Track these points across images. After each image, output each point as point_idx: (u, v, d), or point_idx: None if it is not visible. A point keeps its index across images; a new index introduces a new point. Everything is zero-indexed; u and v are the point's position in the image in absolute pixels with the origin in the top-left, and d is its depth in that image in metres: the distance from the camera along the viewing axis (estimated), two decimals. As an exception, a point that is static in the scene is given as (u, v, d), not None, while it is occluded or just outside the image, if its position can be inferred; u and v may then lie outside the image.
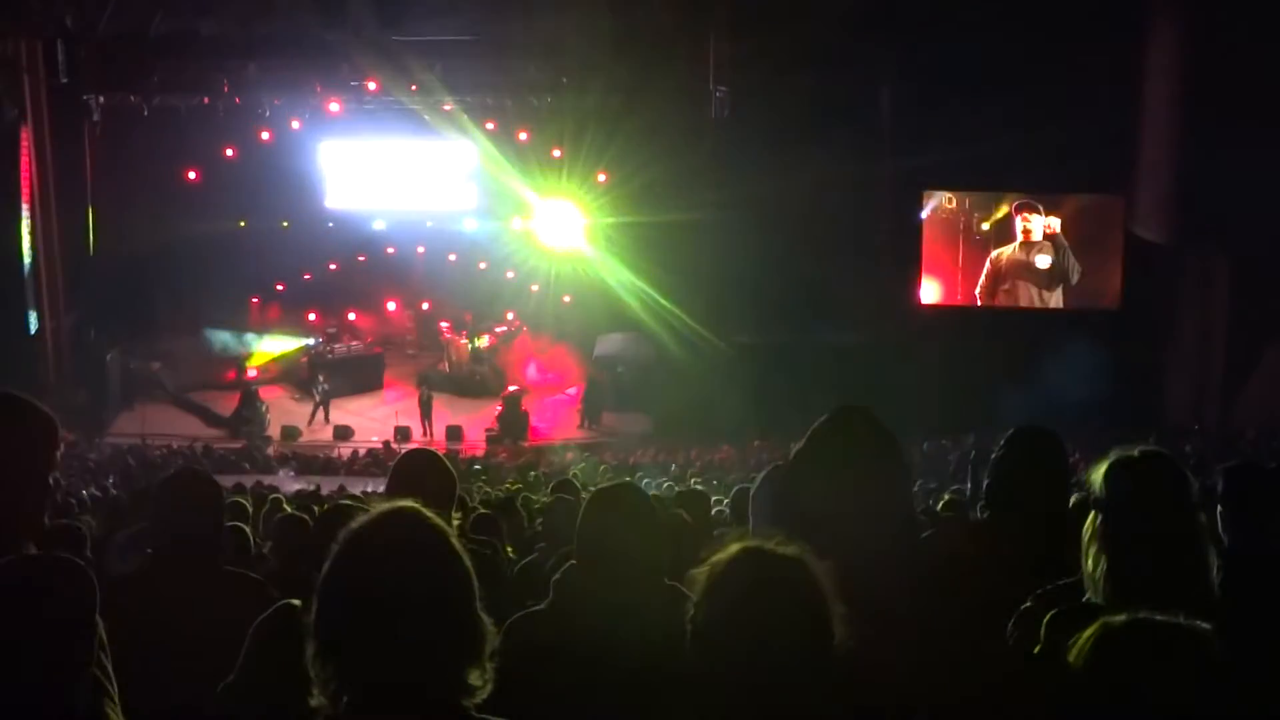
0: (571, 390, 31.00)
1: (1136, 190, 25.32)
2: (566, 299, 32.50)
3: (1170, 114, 23.63)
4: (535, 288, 32.94)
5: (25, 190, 26.61)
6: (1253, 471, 4.40)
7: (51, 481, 3.13)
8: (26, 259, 26.75)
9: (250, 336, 32.04)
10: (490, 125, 29.95)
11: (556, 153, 30.25)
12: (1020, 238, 26.92)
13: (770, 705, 2.31)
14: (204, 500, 4.37)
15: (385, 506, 2.38)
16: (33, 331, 27.06)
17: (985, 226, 27.15)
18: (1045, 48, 23.29)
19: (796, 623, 2.32)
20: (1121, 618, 2.19)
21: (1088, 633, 2.20)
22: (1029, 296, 27.21)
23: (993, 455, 3.95)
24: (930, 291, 27.61)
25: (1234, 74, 21.26)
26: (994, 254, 27.15)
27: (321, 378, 29.53)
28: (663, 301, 28.62)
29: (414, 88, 28.43)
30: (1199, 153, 22.51)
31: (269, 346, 32.00)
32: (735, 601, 2.35)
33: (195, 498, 4.35)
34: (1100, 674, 2.14)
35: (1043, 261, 26.88)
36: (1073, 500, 3.94)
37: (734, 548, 2.44)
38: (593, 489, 4.01)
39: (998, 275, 27.18)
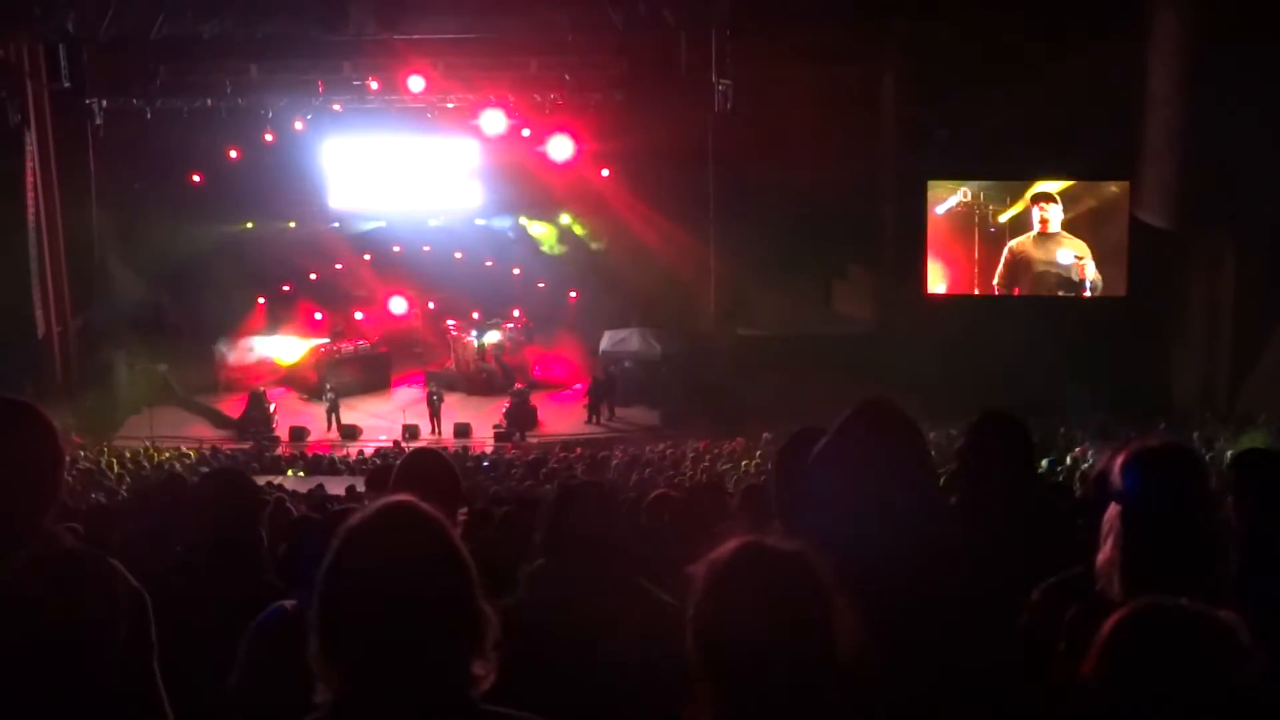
0: (578, 386, 30.97)
1: (1142, 175, 25.24)
2: (573, 295, 32.53)
3: (1175, 98, 23.54)
4: (542, 284, 32.99)
5: (30, 194, 26.64)
6: (1263, 457, 4.37)
7: (56, 485, 3.15)
8: (33, 263, 26.77)
9: (257, 338, 32.05)
10: (492, 122, 29.93)
11: (560, 148, 30.25)
12: (1037, 228, 26.74)
13: (773, 702, 2.30)
14: (241, 501, 4.37)
15: (382, 501, 2.39)
16: (40, 335, 27.09)
17: (1002, 219, 26.97)
18: (1048, 34, 23.25)
19: (797, 619, 2.31)
20: (1147, 602, 2.18)
21: (1114, 618, 2.18)
22: (1048, 287, 27.03)
23: (957, 445, 3.98)
24: (943, 283, 27.48)
25: (1239, 57, 21.18)
26: (1011, 244, 26.95)
27: (329, 386, 29.48)
28: (668, 295, 28.65)
29: (417, 85, 28.43)
30: (1204, 137, 22.45)
31: (276, 348, 31.99)
32: (735, 598, 2.33)
33: (233, 498, 4.34)
34: (1127, 659, 2.12)
35: (1064, 255, 26.70)
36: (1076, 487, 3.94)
37: (732, 544, 2.42)
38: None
39: (1015, 265, 27.01)
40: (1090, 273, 26.46)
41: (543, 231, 32.93)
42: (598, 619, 3.20)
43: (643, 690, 2.97)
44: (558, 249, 32.76)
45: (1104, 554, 2.89)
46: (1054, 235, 26.67)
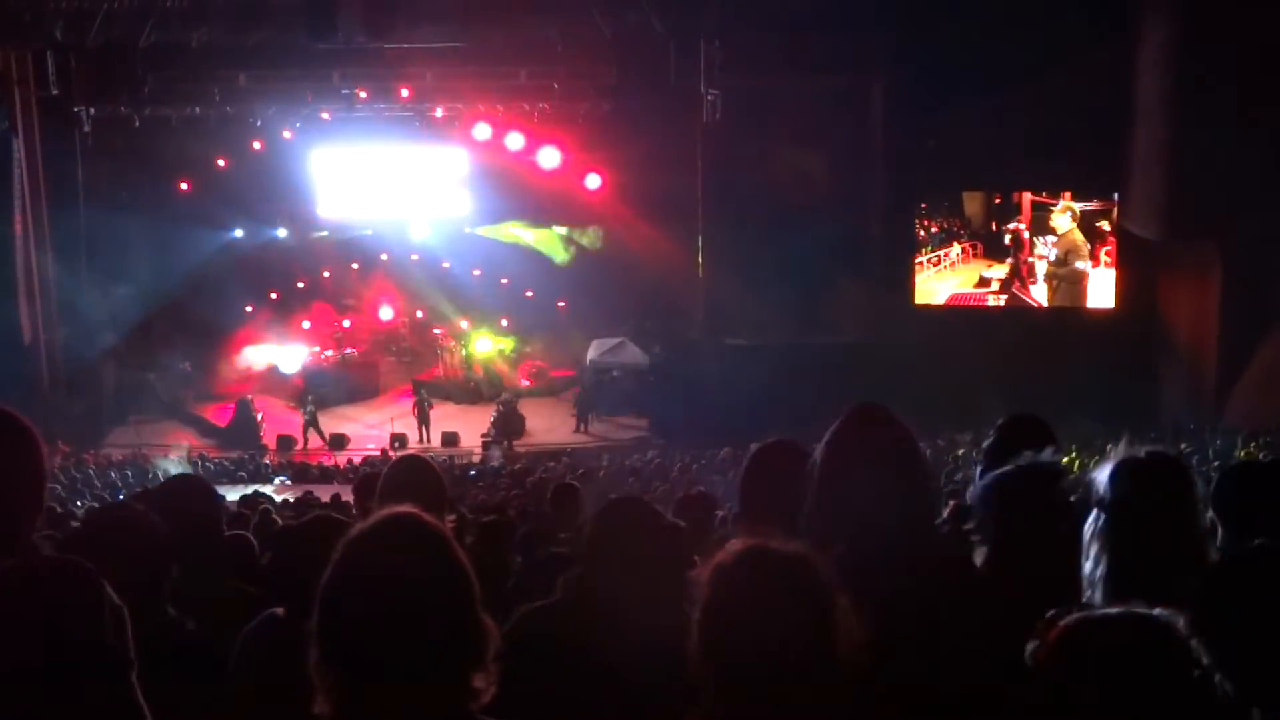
0: (566, 395, 30.99)
1: (1129, 188, 25.32)
2: (561, 303, 32.54)
3: (1161, 111, 23.64)
4: (530, 293, 32.98)
5: (17, 201, 26.55)
6: (1245, 469, 4.37)
7: (40, 493, 3.14)
8: (19, 270, 26.69)
9: (245, 346, 31.99)
10: (481, 131, 29.97)
11: (549, 158, 30.31)
12: (1031, 242, 26.76)
13: (778, 703, 2.30)
14: (202, 509, 4.29)
15: (384, 512, 2.39)
16: (26, 343, 27.00)
17: (994, 229, 27.01)
18: (1036, 46, 23.30)
19: (802, 621, 2.32)
20: (1086, 613, 2.20)
21: (1055, 627, 2.20)
22: (1037, 299, 27.04)
23: (984, 443, 3.98)
24: (931, 293, 27.50)
25: (1225, 70, 21.28)
26: (1010, 256, 27.00)
27: (309, 398, 29.40)
28: (656, 304, 28.66)
29: (405, 95, 28.44)
30: (1190, 149, 22.53)
31: (264, 356, 31.93)
32: (740, 601, 2.35)
33: (193, 505, 4.25)
34: (1062, 667, 2.14)
35: (1052, 267, 26.71)
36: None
37: (736, 546, 2.43)
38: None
39: (1009, 278, 27.02)
40: (1088, 283, 26.53)
41: (534, 238, 32.97)
42: (630, 629, 3.21)
43: (664, 702, 2.98)
44: (561, 255, 32.78)
45: (1089, 563, 2.88)
46: (1054, 245, 26.67)
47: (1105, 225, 26.23)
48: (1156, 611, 2.13)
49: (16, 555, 2.70)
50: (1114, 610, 2.17)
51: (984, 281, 27.24)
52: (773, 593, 2.34)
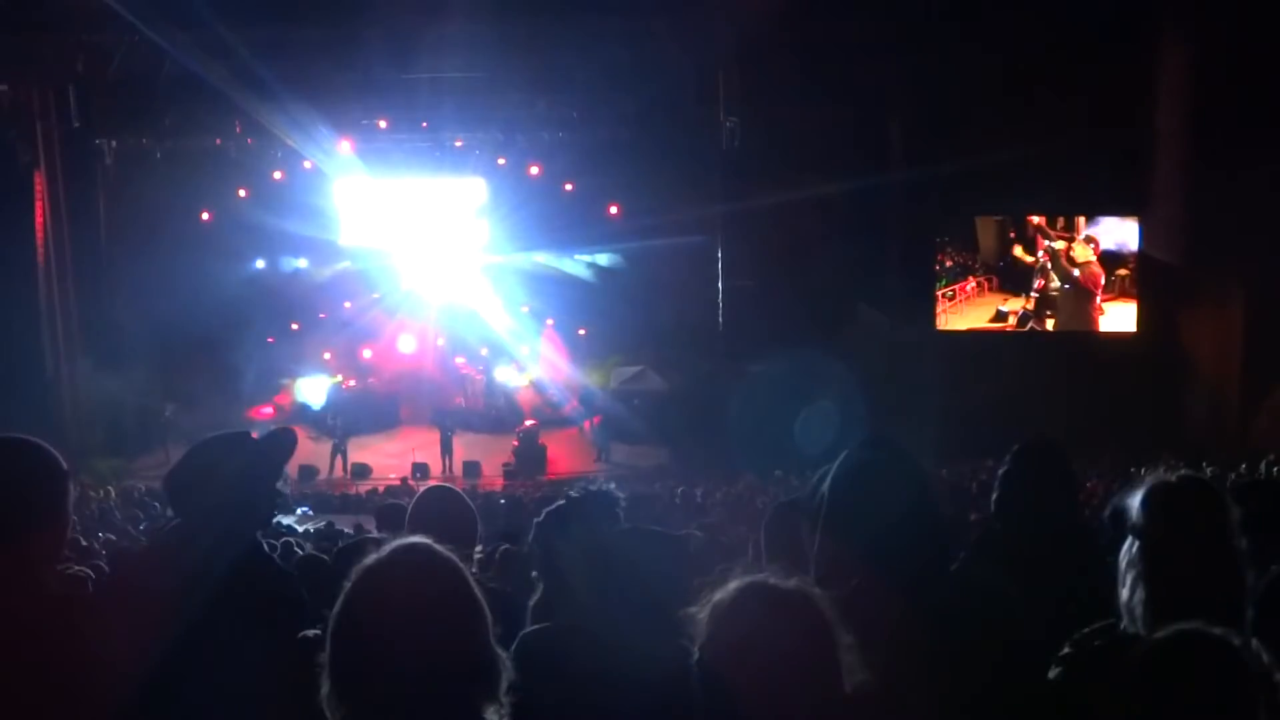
0: (587, 422, 30.91)
1: (1151, 212, 25.26)
2: (581, 332, 32.55)
3: (1184, 135, 23.60)
4: (550, 321, 32.99)
5: (39, 234, 26.73)
6: (1261, 489, 4.35)
7: (68, 524, 3.12)
8: (42, 302, 26.83)
9: (266, 377, 32.01)
10: (501, 161, 30.10)
11: (568, 186, 30.41)
12: (1050, 267, 26.74)
13: None
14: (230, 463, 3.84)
15: (398, 542, 2.37)
16: (49, 374, 27.11)
17: (1017, 255, 26.98)
18: (1056, 72, 23.31)
19: (802, 657, 2.29)
20: (1171, 632, 2.18)
21: (1139, 649, 2.17)
22: (1058, 324, 27.00)
23: (1000, 469, 3.96)
24: (954, 319, 27.47)
25: (1247, 94, 21.24)
26: (1034, 283, 26.98)
27: (339, 424, 29.42)
28: (677, 332, 28.66)
29: (425, 125, 28.60)
30: (1212, 173, 22.48)
31: (286, 387, 31.97)
32: (740, 637, 2.32)
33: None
34: (1149, 686, 2.11)
35: (1070, 291, 26.68)
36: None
37: (735, 584, 2.40)
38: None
39: (1027, 312, 27.00)
40: (1093, 303, 26.49)
41: (554, 266, 33.01)
42: (629, 656, 3.18)
43: None
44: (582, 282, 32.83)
45: (1126, 591, 2.86)
46: (1065, 271, 26.64)
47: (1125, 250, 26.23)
48: (1227, 634, 2.12)
49: (29, 592, 2.68)
50: (1203, 631, 2.15)
51: (1000, 316, 27.18)
52: (774, 629, 2.32)
